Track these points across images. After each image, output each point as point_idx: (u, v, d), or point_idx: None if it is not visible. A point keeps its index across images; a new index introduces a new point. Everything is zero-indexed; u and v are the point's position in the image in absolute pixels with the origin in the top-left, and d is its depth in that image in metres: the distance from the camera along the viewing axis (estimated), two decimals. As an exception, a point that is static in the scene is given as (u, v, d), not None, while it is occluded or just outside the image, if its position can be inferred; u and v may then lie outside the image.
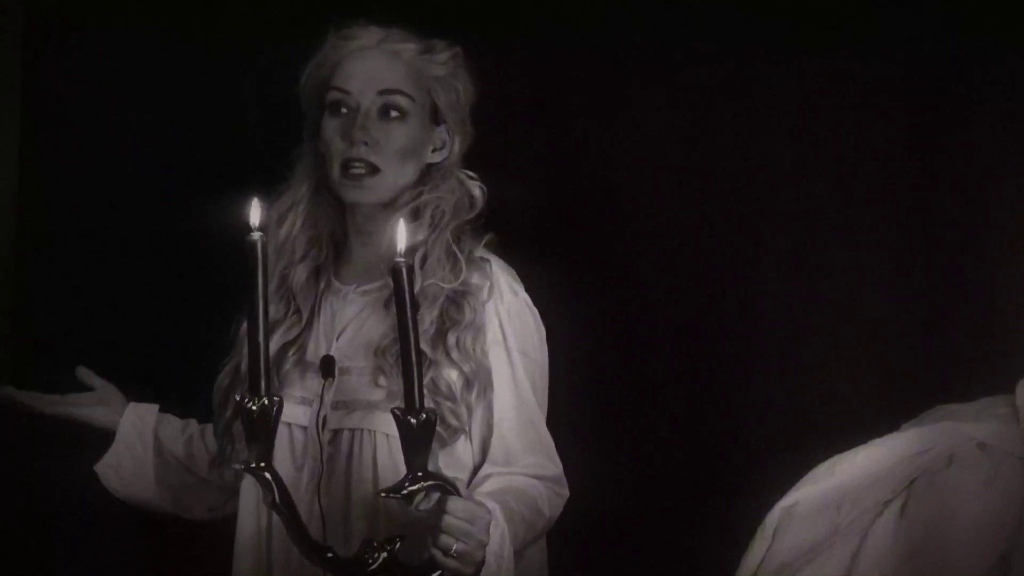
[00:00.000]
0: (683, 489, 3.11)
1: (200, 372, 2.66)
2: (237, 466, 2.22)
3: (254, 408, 2.14)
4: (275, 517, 2.47)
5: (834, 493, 2.22)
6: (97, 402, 2.70)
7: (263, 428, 2.16)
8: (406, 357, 2.17)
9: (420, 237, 2.48)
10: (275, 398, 2.16)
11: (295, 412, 2.50)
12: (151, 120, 3.43)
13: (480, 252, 2.52)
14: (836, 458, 2.27)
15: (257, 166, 3.17)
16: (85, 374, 2.71)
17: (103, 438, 2.71)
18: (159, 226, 3.42)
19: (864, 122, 3.02)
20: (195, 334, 2.94)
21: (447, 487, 2.23)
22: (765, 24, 3.04)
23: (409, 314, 2.17)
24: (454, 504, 2.22)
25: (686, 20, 3.10)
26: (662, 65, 3.13)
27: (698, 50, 3.10)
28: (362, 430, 2.46)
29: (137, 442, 2.70)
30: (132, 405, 2.71)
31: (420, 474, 2.19)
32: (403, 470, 2.36)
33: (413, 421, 2.16)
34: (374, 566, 2.22)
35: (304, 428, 2.50)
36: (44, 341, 3.46)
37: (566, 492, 2.51)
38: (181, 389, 2.74)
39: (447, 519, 2.21)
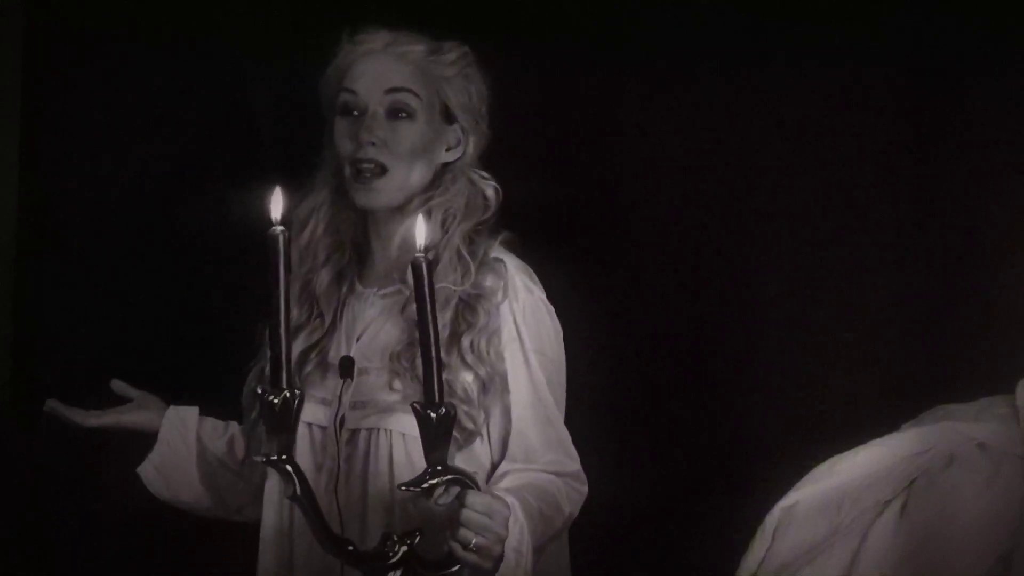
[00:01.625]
0: (683, 489, 3.11)
1: (217, 372, 2.67)
2: (258, 458, 2.22)
3: (276, 401, 2.14)
4: (298, 513, 2.49)
5: (834, 493, 2.22)
6: (136, 408, 2.69)
7: (284, 421, 2.16)
8: (425, 352, 2.18)
9: (431, 242, 2.48)
10: (296, 391, 2.16)
11: (315, 412, 2.51)
12: (152, 120, 3.43)
13: (496, 252, 2.52)
14: (836, 458, 2.27)
15: (262, 164, 3.18)
16: (121, 387, 2.69)
17: (140, 442, 2.70)
18: (163, 226, 3.42)
19: (865, 122, 3.02)
20: (207, 334, 2.94)
21: (466, 481, 2.24)
22: (767, 25, 3.04)
23: (429, 309, 2.17)
24: (473, 498, 2.22)
25: (690, 22, 3.10)
26: (667, 66, 3.13)
27: (702, 51, 3.10)
28: (379, 430, 2.48)
29: (181, 443, 2.69)
30: (172, 408, 2.71)
31: (439, 468, 2.19)
32: (419, 469, 2.37)
33: (432, 415, 2.17)
34: (394, 559, 2.23)
35: (323, 428, 2.51)
36: (48, 344, 3.46)
37: (585, 488, 2.51)
38: (195, 391, 2.74)
39: (466, 513, 2.21)
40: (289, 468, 2.18)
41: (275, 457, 2.17)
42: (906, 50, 2.96)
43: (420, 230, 2.21)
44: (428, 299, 2.18)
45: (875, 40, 2.98)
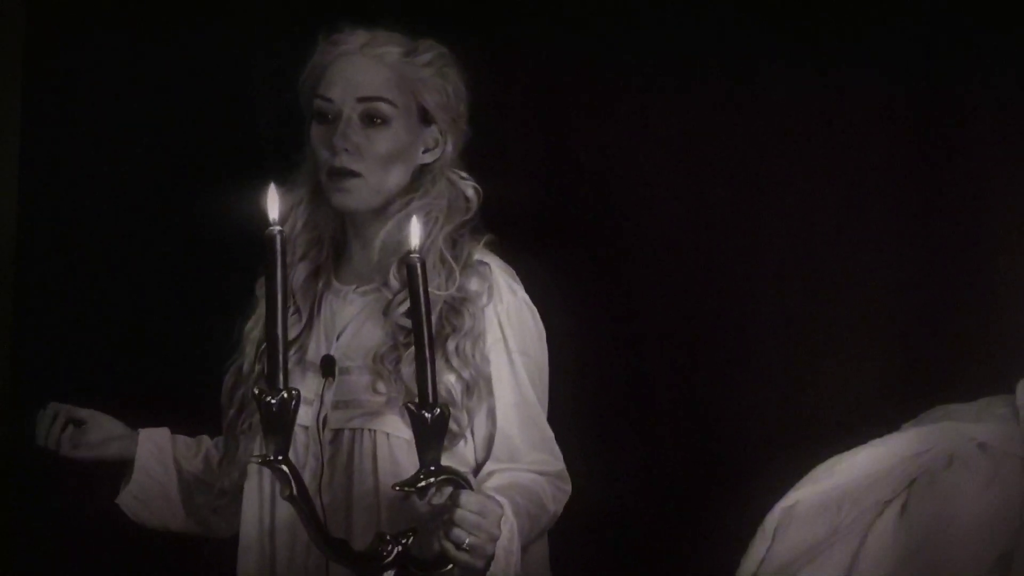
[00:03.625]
0: (683, 489, 3.11)
1: (201, 379, 2.66)
2: (255, 459, 2.22)
3: (273, 401, 2.13)
4: (278, 516, 2.50)
5: (834, 493, 2.22)
6: (109, 439, 2.66)
7: (282, 422, 2.15)
8: (420, 353, 2.18)
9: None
10: (293, 391, 2.15)
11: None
12: (150, 121, 3.43)
13: (479, 253, 2.52)
14: (836, 458, 2.27)
15: (261, 164, 3.18)
16: (64, 410, 2.65)
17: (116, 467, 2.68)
18: (160, 227, 3.42)
19: (863, 122, 3.02)
20: (196, 337, 2.94)
21: (459, 481, 2.24)
22: (764, 25, 3.04)
23: (423, 310, 2.18)
24: (466, 498, 2.23)
25: (684, 20, 3.10)
26: (660, 65, 3.13)
27: (696, 49, 3.10)
28: (363, 430, 2.47)
29: (159, 468, 2.68)
30: (143, 432, 2.68)
31: (433, 468, 2.19)
32: (403, 469, 2.39)
33: (427, 416, 2.17)
34: (388, 559, 2.23)
35: (305, 428, 2.50)
36: (43, 345, 3.46)
37: (568, 487, 2.52)
38: (183, 394, 2.73)
39: (459, 512, 2.21)
40: (286, 469, 2.17)
41: (272, 458, 2.17)
42: (906, 50, 2.96)
43: (414, 231, 2.22)
44: (422, 300, 2.18)
45: (874, 41, 2.98)
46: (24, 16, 3.48)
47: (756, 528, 2.25)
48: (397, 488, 2.21)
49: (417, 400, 2.20)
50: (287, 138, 2.69)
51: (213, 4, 3.40)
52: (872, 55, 2.98)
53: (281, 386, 2.14)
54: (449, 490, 2.24)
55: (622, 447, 3.12)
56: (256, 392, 2.16)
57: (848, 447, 2.28)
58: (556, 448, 2.52)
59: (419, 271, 2.18)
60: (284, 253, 2.16)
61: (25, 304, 3.50)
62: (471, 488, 2.26)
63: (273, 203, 2.16)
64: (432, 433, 2.18)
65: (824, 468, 2.27)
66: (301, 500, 2.20)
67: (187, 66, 3.40)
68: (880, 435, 2.28)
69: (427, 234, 2.48)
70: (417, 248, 2.20)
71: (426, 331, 2.18)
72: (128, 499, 2.67)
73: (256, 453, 2.51)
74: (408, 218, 2.46)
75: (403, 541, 2.24)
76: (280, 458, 2.17)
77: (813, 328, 3.04)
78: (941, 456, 2.21)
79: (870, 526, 2.21)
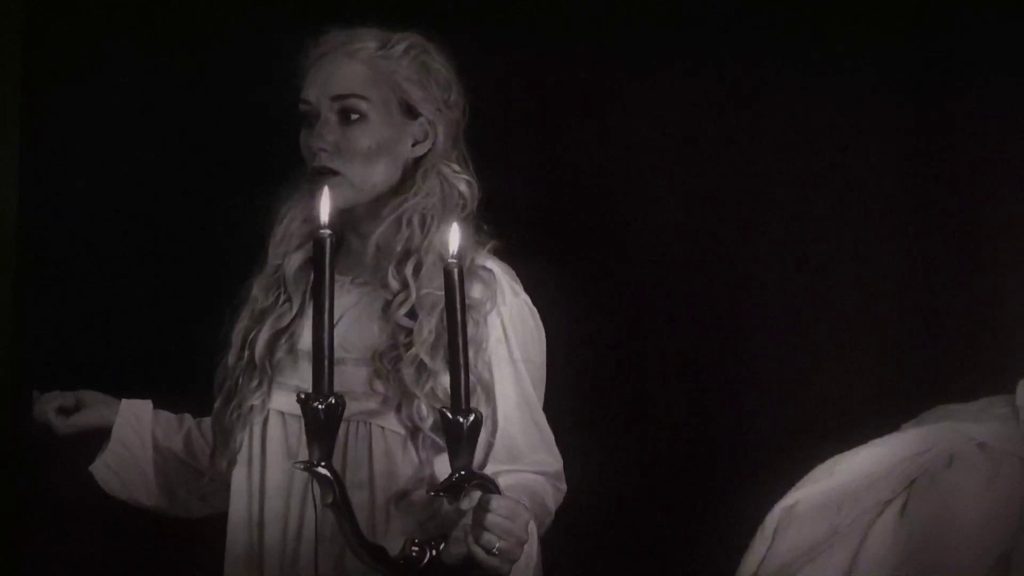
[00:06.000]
0: (682, 489, 3.11)
1: (193, 368, 2.66)
2: (297, 465, 2.20)
3: (320, 407, 2.11)
4: (266, 509, 2.49)
5: (834, 493, 2.23)
6: (88, 407, 2.68)
7: (328, 428, 2.13)
8: (454, 358, 2.17)
9: (411, 245, 2.47)
10: (340, 397, 2.13)
11: (289, 401, 2.47)
12: (145, 122, 3.42)
13: (482, 259, 2.51)
14: (836, 458, 2.28)
15: (253, 168, 3.18)
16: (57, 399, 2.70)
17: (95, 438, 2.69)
18: (152, 226, 3.42)
19: (863, 123, 3.02)
20: (188, 331, 2.95)
21: (488, 486, 2.23)
22: (763, 25, 3.04)
23: (459, 316, 2.16)
24: (496, 502, 2.21)
25: (686, 20, 3.10)
26: (660, 67, 3.13)
27: (696, 50, 3.10)
28: (358, 422, 2.46)
29: (135, 440, 2.68)
30: (125, 402, 2.70)
31: (463, 473, 2.18)
32: (398, 463, 2.40)
33: (462, 421, 2.16)
34: (422, 564, 2.22)
35: (298, 417, 2.49)
36: (45, 343, 3.46)
37: (564, 487, 2.52)
38: (175, 385, 2.73)
39: (490, 517, 2.20)
40: (329, 475, 2.15)
41: (314, 464, 2.14)
42: (906, 51, 2.96)
43: (454, 237, 2.21)
44: (459, 306, 2.16)
45: (874, 41, 2.98)
46: (24, 16, 3.48)
47: (756, 528, 2.25)
48: (432, 494, 2.21)
49: (436, 405, 2.18)
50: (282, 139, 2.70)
51: (212, 5, 3.40)
52: (872, 54, 2.98)
53: (327, 392, 2.11)
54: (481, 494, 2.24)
55: (622, 447, 3.12)
56: (302, 397, 2.14)
57: (848, 447, 2.28)
58: (555, 448, 2.52)
59: (456, 278, 2.16)
60: (333, 258, 2.13)
61: (26, 295, 3.49)
62: (500, 492, 2.24)
63: (325, 206, 2.15)
64: (465, 438, 2.17)
65: (824, 468, 2.27)
66: (343, 506, 2.17)
67: (184, 66, 3.40)
68: (880, 435, 2.29)
69: (423, 234, 2.47)
70: (455, 255, 2.19)
71: (461, 337, 2.16)
72: (101, 468, 2.67)
73: (243, 448, 2.52)
74: (400, 219, 2.47)
75: (434, 546, 2.23)
76: (323, 464, 2.14)
77: (813, 328, 3.04)
78: (941, 456, 2.22)
79: (870, 526, 2.22)
